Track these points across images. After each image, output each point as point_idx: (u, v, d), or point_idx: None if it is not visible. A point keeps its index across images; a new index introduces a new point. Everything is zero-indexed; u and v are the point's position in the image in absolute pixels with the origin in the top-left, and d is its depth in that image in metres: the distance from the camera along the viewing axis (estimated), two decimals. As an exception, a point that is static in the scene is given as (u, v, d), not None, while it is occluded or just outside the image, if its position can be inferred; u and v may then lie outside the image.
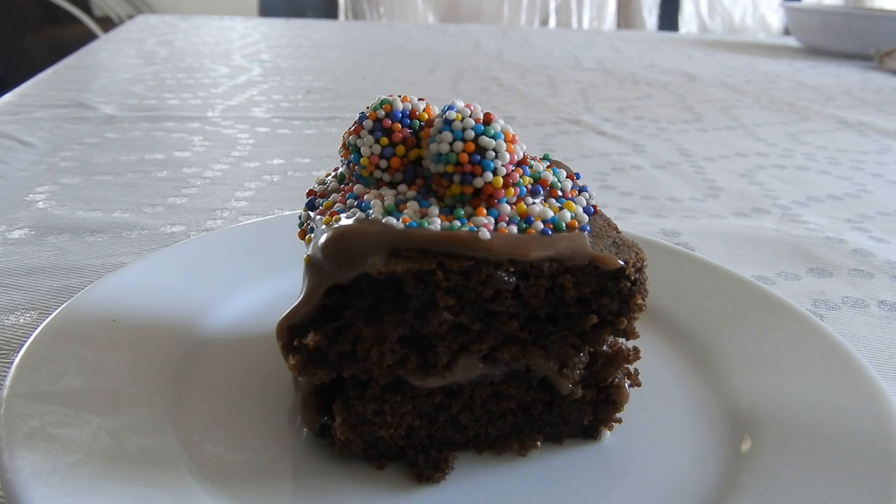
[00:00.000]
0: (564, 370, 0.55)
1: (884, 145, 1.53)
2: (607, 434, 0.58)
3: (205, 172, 1.14)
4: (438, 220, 0.49)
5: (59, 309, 0.60)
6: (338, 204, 0.53)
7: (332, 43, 2.60)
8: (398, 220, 0.48)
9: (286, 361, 0.51)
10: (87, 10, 4.34)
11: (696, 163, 1.33)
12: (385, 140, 0.54)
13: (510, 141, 0.51)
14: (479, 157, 0.50)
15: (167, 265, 0.70)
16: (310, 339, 0.49)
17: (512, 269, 0.48)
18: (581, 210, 0.53)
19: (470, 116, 0.51)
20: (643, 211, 1.07)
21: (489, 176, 0.50)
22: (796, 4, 3.27)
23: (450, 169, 0.50)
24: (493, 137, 0.50)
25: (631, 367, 0.57)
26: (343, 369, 0.51)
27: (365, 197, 0.52)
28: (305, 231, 0.58)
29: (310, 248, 0.50)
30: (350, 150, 0.55)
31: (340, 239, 0.48)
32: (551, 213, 0.51)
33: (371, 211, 0.50)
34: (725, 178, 1.25)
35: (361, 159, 0.54)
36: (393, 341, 0.50)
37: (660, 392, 0.62)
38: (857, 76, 2.37)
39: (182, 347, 0.62)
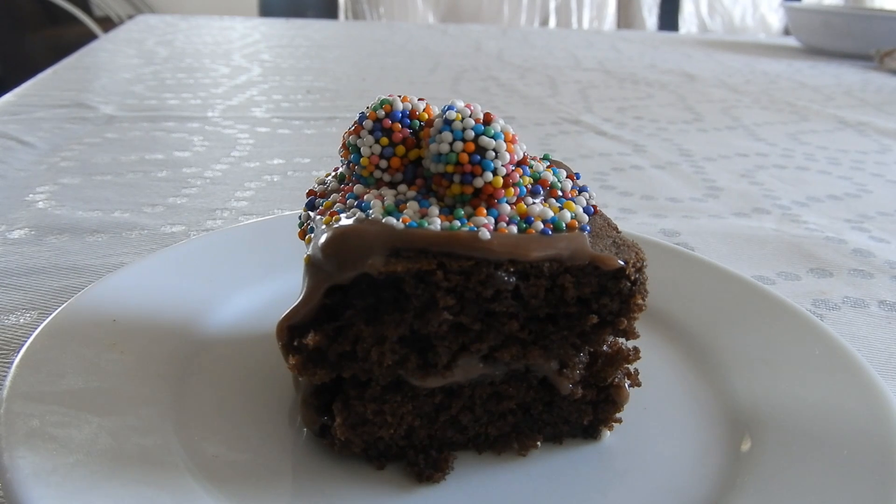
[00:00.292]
0: (564, 370, 0.55)
1: (884, 145, 1.53)
2: (607, 434, 0.58)
3: (205, 172, 1.14)
4: (438, 220, 0.49)
5: (59, 309, 0.60)
6: (338, 204, 0.53)
7: (332, 43, 2.60)
8: (398, 220, 0.48)
9: (286, 361, 0.51)
10: (87, 10, 4.34)
11: (696, 163, 1.33)
12: (385, 140, 0.54)
13: (510, 141, 0.51)
14: (479, 157, 0.50)
15: (167, 265, 0.70)
16: (310, 339, 0.49)
17: (512, 269, 0.48)
18: (581, 210, 0.53)
19: (470, 116, 0.51)
20: (643, 211, 1.07)
21: (489, 176, 0.50)
22: (796, 4, 3.27)
23: (450, 169, 0.50)
24: (493, 137, 0.50)
25: (631, 367, 0.57)
26: (343, 369, 0.51)
27: (365, 197, 0.52)
28: (305, 231, 0.58)
29: (310, 248, 0.50)
30: (350, 150, 0.55)
31: (340, 239, 0.48)
32: (551, 213, 0.51)
33: (371, 211, 0.50)
34: (725, 178, 1.25)
35: (361, 159, 0.54)
36: (393, 341, 0.50)
37: (660, 392, 0.62)
38: (857, 76, 2.37)
39: (182, 347, 0.62)
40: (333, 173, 0.61)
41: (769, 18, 4.13)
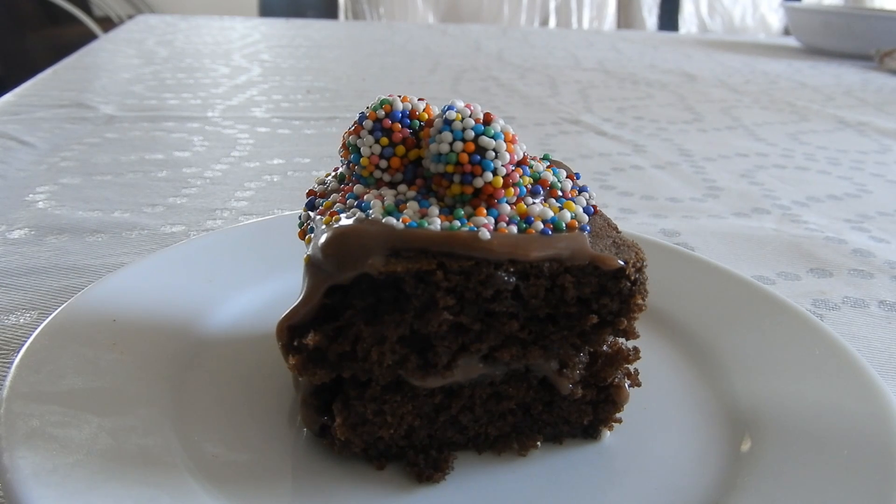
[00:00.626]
0: (564, 370, 0.55)
1: (884, 145, 1.53)
2: (607, 434, 0.58)
3: (205, 172, 1.14)
4: (438, 220, 0.49)
5: (59, 309, 0.60)
6: (338, 204, 0.53)
7: (332, 43, 2.60)
8: (398, 220, 0.48)
9: (286, 361, 0.51)
10: (87, 10, 4.34)
11: (696, 163, 1.33)
12: (385, 140, 0.54)
13: (510, 141, 0.51)
14: (479, 157, 0.50)
15: (167, 265, 0.70)
16: (310, 339, 0.49)
17: (512, 269, 0.48)
18: (581, 210, 0.53)
19: (470, 116, 0.51)
20: (643, 211, 1.07)
21: (489, 176, 0.50)
22: (796, 4, 3.27)
23: (450, 169, 0.50)
24: (493, 137, 0.50)
25: (631, 367, 0.57)
26: (343, 369, 0.51)
27: (365, 197, 0.52)
28: (305, 231, 0.58)
29: (310, 248, 0.50)
30: (350, 150, 0.55)
31: (340, 239, 0.48)
32: (551, 213, 0.51)
33: (371, 211, 0.50)
34: (725, 178, 1.25)
35: (361, 159, 0.54)
36: (393, 341, 0.50)
37: (660, 392, 0.62)
38: (857, 76, 2.37)
39: (182, 347, 0.62)
40: (333, 173, 0.61)
41: (769, 18, 4.13)
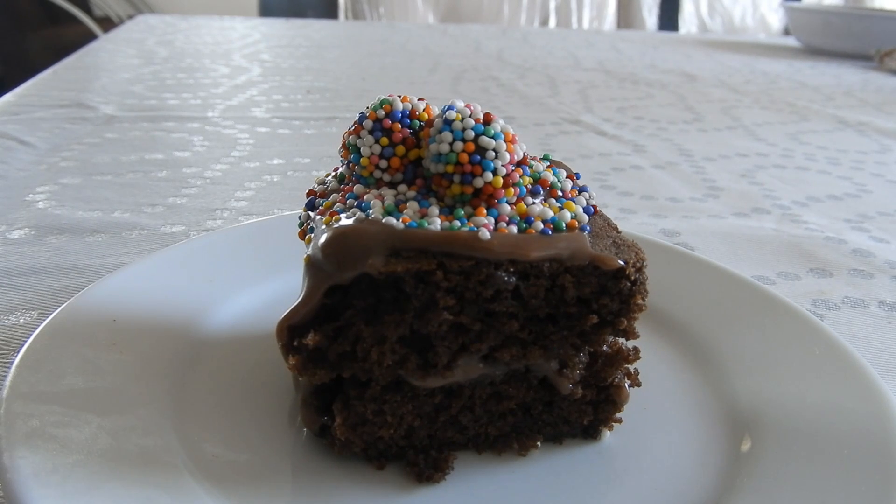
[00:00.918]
0: (564, 370, 0.55)
1: (884, 145, 1.53)
2: (607, 434, 0.58)
3: (205, 172, 1.14)
4: (438, 220, 0.49)
5: (59, 309, 0.60)
6: (338, 204, 0.53)
7: (332, 43, 2.60)
8: (398, 220, 0.48)
9: (286, 361, 0.51)
10: (87, 10, 4.34)
11: (696, 163, 1.33)
12: (385, 140, 0.54)
13: (510, 141, 0.51)
14: (479, 157, 0.50)
15: (167, 265, 0.70)
16: (310, 339, 0.49)
17: (512, 269, 0.48)
18: (581, 210, 0.53)
19: (470, 116, 0.51)
20: (643, 211, 1.07)
21: (489, 176, 0.50)
22: (796, 4, 3.27)
23: (450, 169, 0.50)
24: (493, 137, 0.50)
25: (631, 367, 0.57)
26: (343, 369, 0.51)
27: (365, 197, 0.52)
28: (305, 231, 0.58)
29: (310, 248, 0.50)
30: (350, 150, 0.55)
31: (340, 239, 0.48)
32: (551, 213, 0.51)
33: (371, 211, 0.50)
34: (725, 178, 1.25)
35: (361, 159, 0.54)
36: (393, 341, 0.50)
37: (660, 392, 0.62)
38: (857, 76, 2.37)
39: (182, 347, 0.62)
40: (333, 173, 0.61)
41: (769, 18, 4.13)
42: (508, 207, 0.51)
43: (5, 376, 0.51)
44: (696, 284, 0.73)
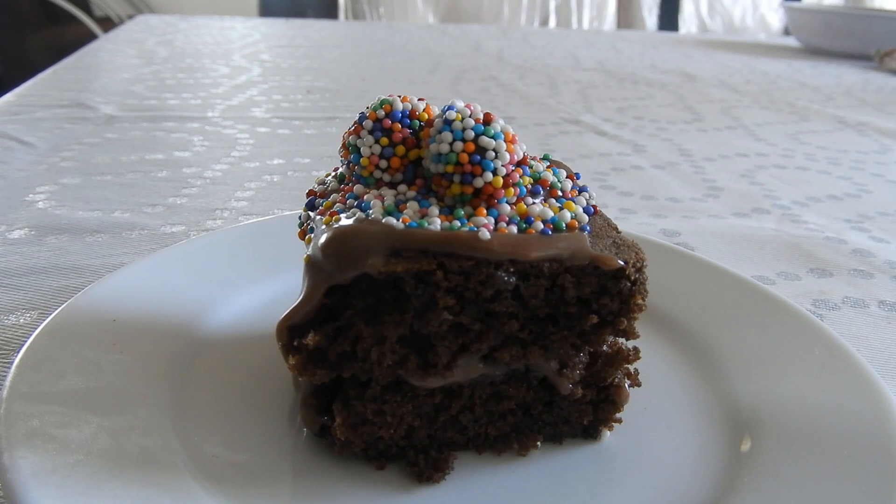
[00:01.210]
0: (564, 370, 0.55)
1: (884, 145, 1.53)
2: (607, 434, 0.58)
3: (205, 172, 1.14)
4: (438, 220, 0.49)
5: (59, 309, 0.60)
6: (338, 204, 0.53)
7: (332, 43, 2.60)
8: (398, 220, 0.48)
9: (286, 361, 0.51)
10: (87, 10, 4.34)
11: (696, 163, 1.33)
12: (385, 140, 0.54)
13: (510, 141, 0.51)
14: (479, 157, 0.50)
15: (167, 265, 0.70)
16: (310, 339, 0.49)
17: (512, 269, 0.48)
18: (581, 210, 0.53)
19: (470, 116, 0.51)
20: (643, 211, 1.07)
21: (489, 176, 0.50)
22: (796, 4, 3.27)
23: (450, 169, 0.50)
24: (493, 137, 0.50)
25: (631, 367, 0.57)
26: (343, 369, 0.51)
27: (365, 197, 0.52)
28: (305, 231, 0.58)
29: (310, 248, 0.50)
30: (350, 150, 0.55)
31: (340, 239, 0.48)
32: (551, 213, 0.51)
33: (371, 211, 0.50)
34: (725, 178, 1.25)
35: (361, 159, 0.54)
36: (393, 341, 0.50)
37: (660, 392, 0.62)
38: (857, 76, 2.37)
39: (182, 347, 0.62)
40: (333, 173, 0.61)
41: (769, 18, 4.13)
42: (508, 207, 0.51)
43: (5, 376, 0.51)
44: (696, 284, 0.73)
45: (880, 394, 0.55)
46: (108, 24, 4.07)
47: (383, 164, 0.54)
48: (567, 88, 1.96)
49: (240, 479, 0.50)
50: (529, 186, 0.53)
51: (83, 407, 0.51)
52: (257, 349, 0.62)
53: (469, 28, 3.26)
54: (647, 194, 1.15)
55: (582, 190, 0.57)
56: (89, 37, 3.39)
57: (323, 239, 0.48)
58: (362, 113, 0.55)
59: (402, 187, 0.53)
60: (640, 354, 0.56)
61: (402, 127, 0.54)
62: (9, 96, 1.54)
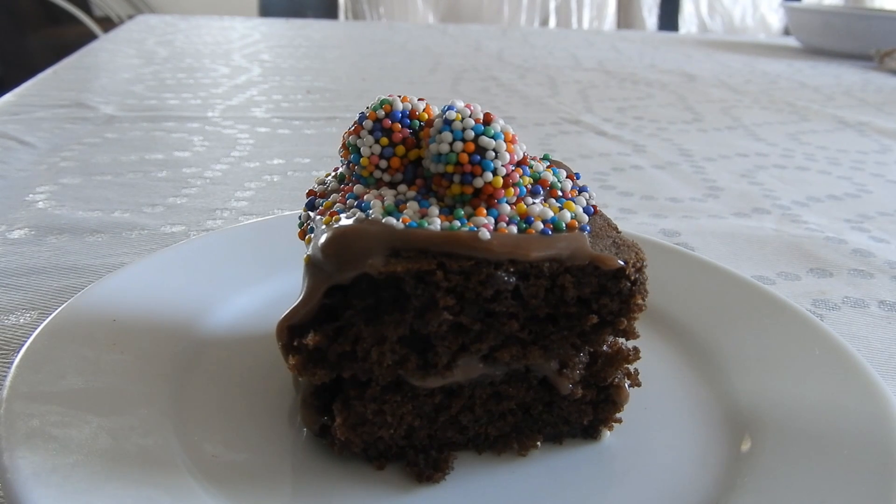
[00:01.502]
0: (564, 370, 0.55)
1: (884, 145, 1.53)
2: (607, 434, 0.58)
3: (205, 172, 1.14)
4: (438, 220, 0.49)
5: (59, 309, 0.60)
6: (338, 204, 0.53)
7: (332, 43, 2.60)
8: (398, 220, 0.48)
9: (286, 361, 0.51)
10: (87, 10, 4.34)
11: (696, 163, 1.33)
12: (385, 140, 0.54)
13: (510, 141, 0.51)
14: (479, 157, 0.50)
15: (167, 265, 0.70)
16: (310, 339, 0.49)
17: (512, 269, 0.48)
18: (581, 210, 0.53)
19: (470, 116, 0.51)
20: (643, 211, 1.07)
21: (489, 176, 0.50)
22: (796, 4, 3.27)
23: (450, 169, 0.50)
24: (493, 137, 0.50)
25: (631, 367, 0.57)
26: (343, 369, 0.51)
27: (365, 197, 0.52)
28: (305, 231, 0.58)
29: (310, 248, 0.50)
30: (350, 150, 0.55)
31: (340, 239, 0.48)
32: (551, 213, 0.51)
33: (371, 211, 0.50)
34: (725, 178, 1.25)
35: (361, 159, 0.54)
36: (393, 341, 0.50)
37: (660, 392, 0.62)
38: (857, 76, 2.37)
39: (182, 347, 0.62)
40: (333, 173, 0.61)
41: (769, 18, 4.13)
42: (508, 207, 0.51)
43: (5, 376, 0.51)
44: (696, 284, 0.73)
45: (880, 394, 0.55)
46: (108, 24, 4.07)
47: (383, 164, 0.54)
48: (567, 88, 1.96)
49: (240, 479, 0.50)
50: (529, 186, 0.53)
51: (83, 407, 0.51)
52: (257, 349, 0.62)
53: (469, 28, 3.26)
54: (647, 194, 1.15)
55: (582, 190, 0.57)
56: (89, 37, 3.39)
57: (323, 239, 0.48)
58: (362, 113, 0.55)
59: (402, 187, 0.53)
60: (640, 354, 0.56)
61: (402, 127, 0.54)
62: (9, 96, 1.54)
